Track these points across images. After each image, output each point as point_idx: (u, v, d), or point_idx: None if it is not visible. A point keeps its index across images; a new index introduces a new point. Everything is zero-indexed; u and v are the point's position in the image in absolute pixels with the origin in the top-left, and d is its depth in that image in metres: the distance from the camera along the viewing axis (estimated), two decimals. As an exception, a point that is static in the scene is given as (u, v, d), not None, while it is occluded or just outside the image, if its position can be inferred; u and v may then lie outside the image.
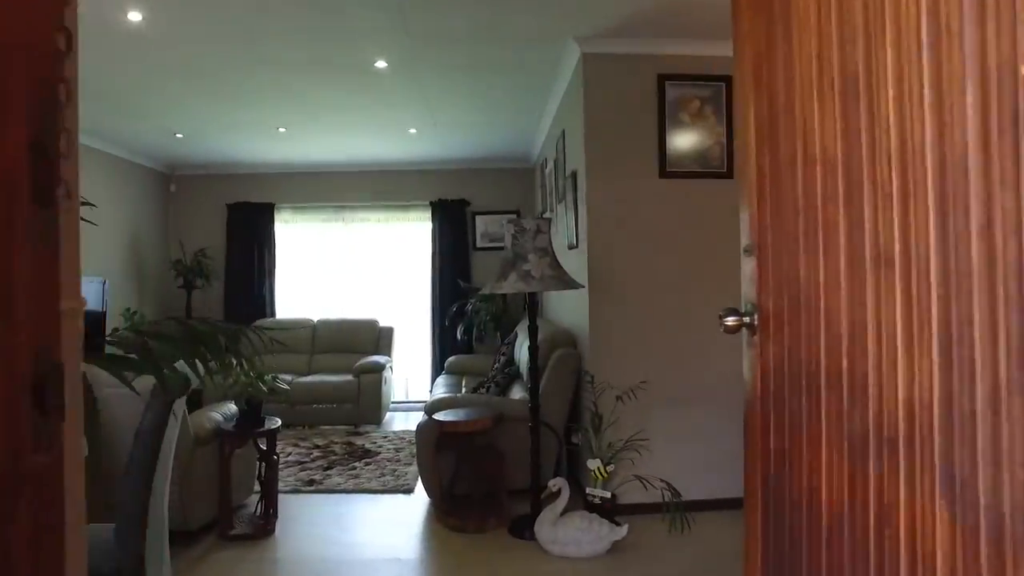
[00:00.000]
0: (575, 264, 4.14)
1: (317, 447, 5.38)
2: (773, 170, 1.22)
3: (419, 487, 4.24)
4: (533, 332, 3.58)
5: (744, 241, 1.39)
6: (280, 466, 4.72)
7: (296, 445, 5.44)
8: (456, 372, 6.50)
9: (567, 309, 4.80)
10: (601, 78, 3.86)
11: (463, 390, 5.59)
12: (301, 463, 4.91)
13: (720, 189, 3.86)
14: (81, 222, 1.04)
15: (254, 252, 7.41)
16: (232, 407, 3.77)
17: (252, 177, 7.50)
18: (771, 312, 1.24)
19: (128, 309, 6.25)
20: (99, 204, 6.22)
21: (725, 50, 3.85)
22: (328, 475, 4.61)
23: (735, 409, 3.79)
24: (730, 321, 1.34)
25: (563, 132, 4.73)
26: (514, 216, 7.11)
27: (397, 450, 5.26)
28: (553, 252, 3.46)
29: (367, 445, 5.42)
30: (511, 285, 3.33)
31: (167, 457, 2.33)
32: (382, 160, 7.25)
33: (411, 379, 7.59)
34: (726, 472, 3.76)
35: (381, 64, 4.17)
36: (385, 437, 5.73)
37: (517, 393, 4.53)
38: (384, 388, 6.37)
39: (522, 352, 4.70)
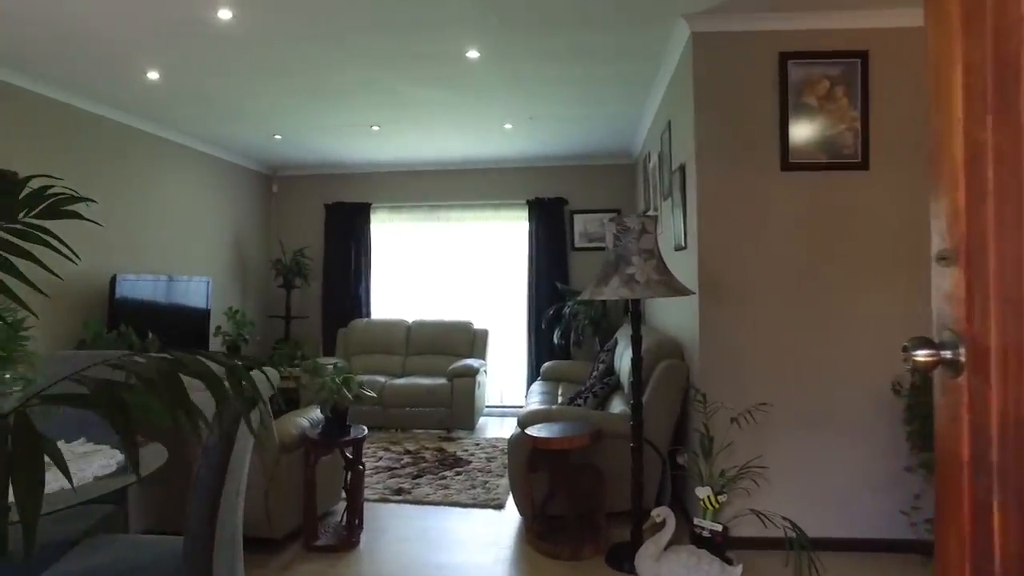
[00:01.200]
0: (683, 267, 3.74)
1: (408, 452, 5.24)
2: (1001, 142, 0.85)
3: (510, 502, 3.99)
4: (637, 343, 3.23)
5: (939, 244, 1.01)
6: (370, 471, 4.63)
7: (387, 449, 5.33)
8: (552, 378, 6.22)
9: (672, 315, 4.40)
10: (713, 60, 3.46)
11: (559, 399, 5.29)
12: (391, 469, 4.78)
13: (854, 182, 3.37)
14: (90, 223, 0.83)
15: (351, 252, 7.43)
16: (319, 413, 3.66)
17: (349, 177, 7.53)
18: (992, 347, 0.87)
19: (231, 308, 6.38)
20: (204, 205, 6.40)
21: (859, 21, 3.39)
22: (417, 484, 4.44)
23: (872, 438, 3.32)
24: (921, 356, 0.96)
25: (668, 123, 4.33)
26: (615, 215, 6.73)
27: (489, 459, 5.03)
28: (660, 254, 3.10)
29: (458, 452, 5.23)
30: (613, 291, 3.00)
31: (238, 471, 2.18)
32: (477, 158, 7.07)
33: (506, 384, 7.36)
34: (857, 508, 3.27)
35: (473, 54, 3.94)
36: (477, 444, 5.53)
37: (617, 406, 4.18)
38: (478, 392, 6.17)
39: (623, 361, 4.34)
